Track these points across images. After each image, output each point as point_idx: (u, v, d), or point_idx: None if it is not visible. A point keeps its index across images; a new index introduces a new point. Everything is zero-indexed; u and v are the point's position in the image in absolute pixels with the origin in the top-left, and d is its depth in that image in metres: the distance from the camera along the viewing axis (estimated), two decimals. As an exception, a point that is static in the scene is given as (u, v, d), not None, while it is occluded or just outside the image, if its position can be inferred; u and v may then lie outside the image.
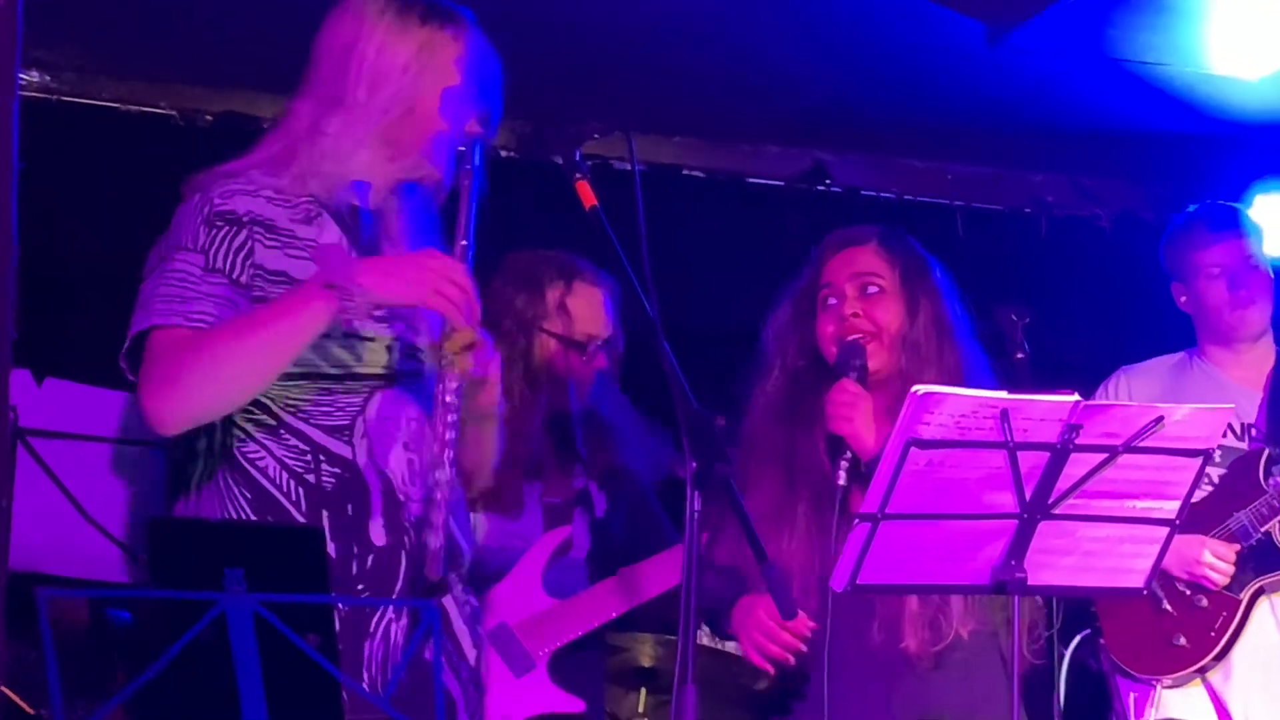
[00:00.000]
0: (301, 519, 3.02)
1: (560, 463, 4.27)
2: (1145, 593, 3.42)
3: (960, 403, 3.13)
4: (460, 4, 3.29)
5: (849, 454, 3.71)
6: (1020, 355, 3.85)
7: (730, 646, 5.61)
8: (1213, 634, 4.59)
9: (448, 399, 3.11)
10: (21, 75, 3.54)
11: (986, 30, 5.51)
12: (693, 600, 2.90)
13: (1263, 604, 4.62)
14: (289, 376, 3.08)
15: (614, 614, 4.18)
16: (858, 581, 3.25)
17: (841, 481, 3.70)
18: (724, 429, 3.46)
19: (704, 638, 5.57)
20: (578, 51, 5.63)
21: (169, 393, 2.98)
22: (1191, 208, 5.02)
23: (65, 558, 4.11)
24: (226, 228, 3.04)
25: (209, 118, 5.87)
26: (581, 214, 3.16)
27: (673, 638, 4.00)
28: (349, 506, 3.08)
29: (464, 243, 3.17)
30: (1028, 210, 6.72)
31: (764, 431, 3.92)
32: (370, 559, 3.07)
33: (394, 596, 3.08)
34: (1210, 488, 4.60)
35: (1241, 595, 4.59)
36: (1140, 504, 3.28)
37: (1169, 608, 4.62)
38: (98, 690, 4.48)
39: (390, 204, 3.20)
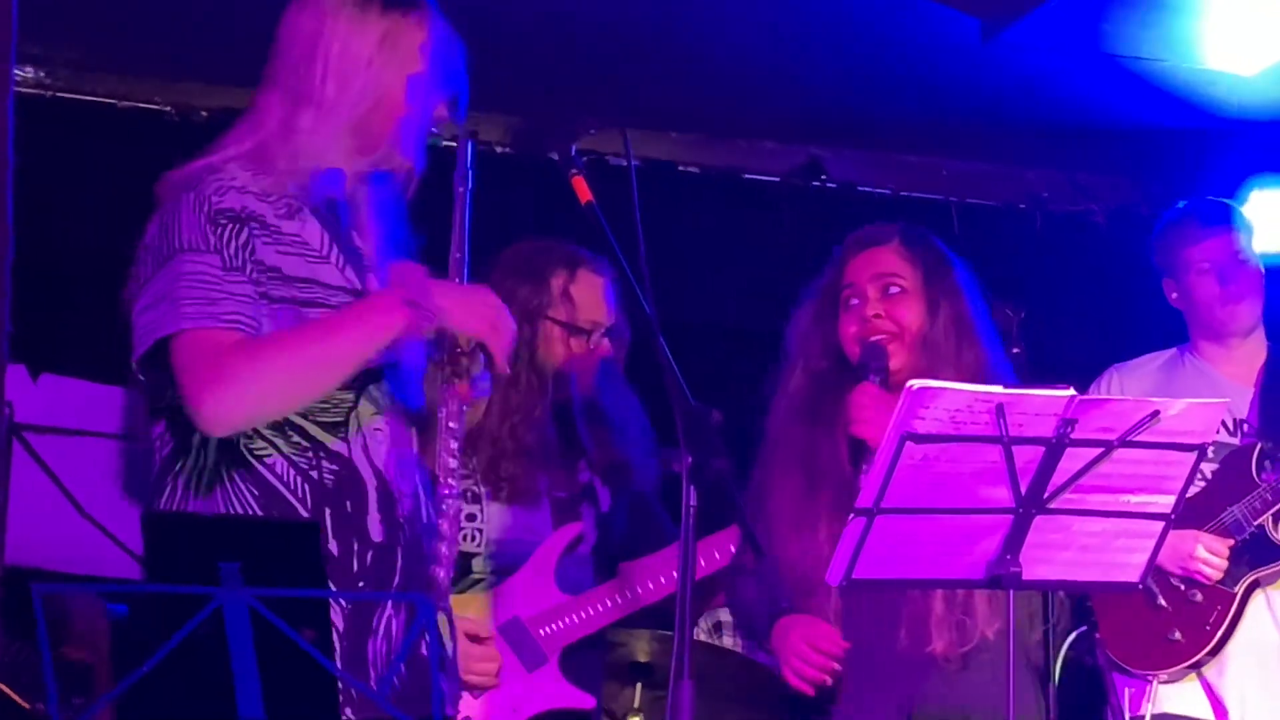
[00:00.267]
0: (307, 516, 3.02)
1: (566, 455, 4.27)
2: (1140, 588, 3.42)
3: (955, 397, 3.13)
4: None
5: (871, 456, 3.72)
6: (1015, 350, 3.85)
7: (726, 642, 5.62)
8: (1208, 628, 4.60)
9: (451, 424, 3.14)
10: (16, 71, 3.54)
11: (981, 26, 5.52)
12: (688, 594, 2.90)
13: (1258, 597, 4.62)
14: None
15: (630, 610, 4.19)
16: (853, 576, 3.26)
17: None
18: (720, 424, 3.46)
19: (700, 633, 5.58)
20: (574, 47, 5.63)
21: (231, 394, 2.97)
22: (1181, 204, 5.02)
23: (61, 553, 4.12)
24: (230, 225, 3.04)
25: (204, 113, 5.86)
26: (577, 210, 3.16)
27: (669, 633, 4.01)
28: (347, 503, 3.08)
29: (458, 255, 3.18)
30: (1023, 206, 6.72)
31: (786, 432, 3.94)
32: (370, 555, 3.07)
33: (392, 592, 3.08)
34: (1203, 483, 4.60)
35: (1236, 589, 4.60)
36: (1135, 499, 3.29)
37: (1164, 603, 4.63)
38: (94, 686, 4.49)
39: (360, 194, 3.21)
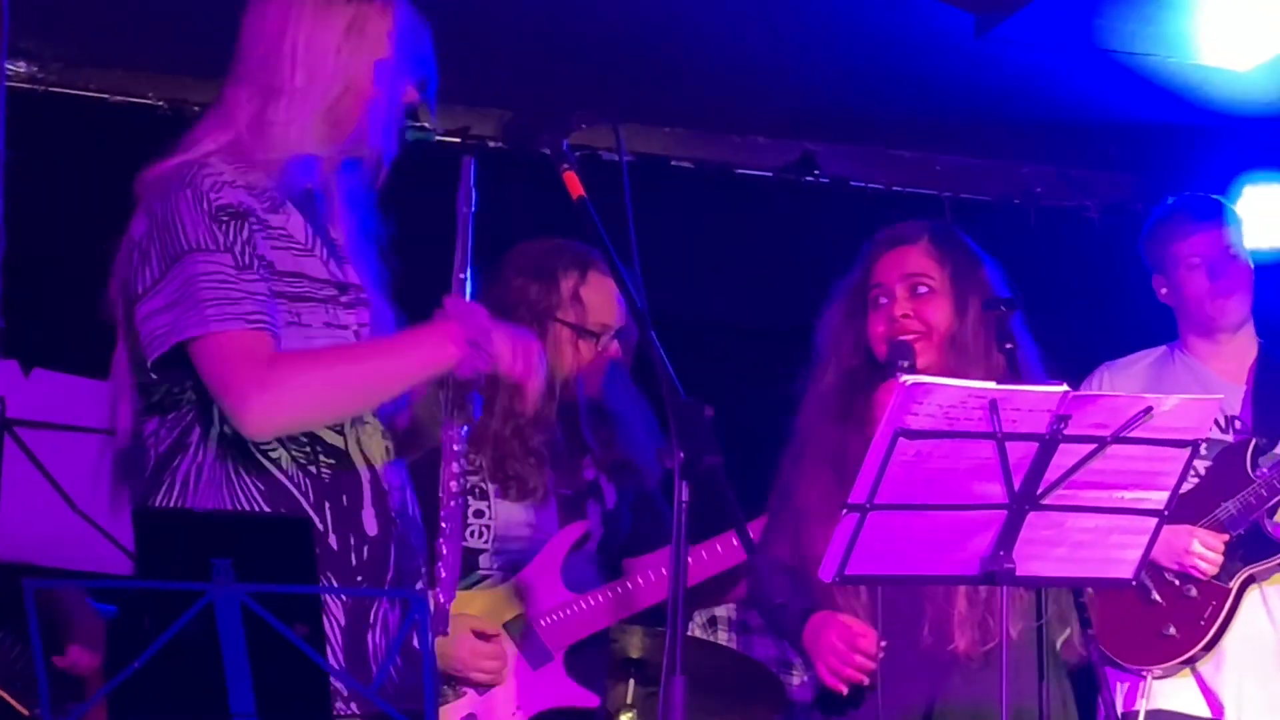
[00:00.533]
0: (310, 511, 3.02)
1: (571, 453, 4.27)
2: (1134, 583, 3.42)
3: (948, 393, 3.13)
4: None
5: None
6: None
7: (720, 638, 5.63)
8: (1202, 624, 4.59)
9: (455, 447, 3.15)
10: (8, 65, 3.53)
11: (975, 21, 5.52)
12: (681, 590, 2.90)
13: (1253, 593, 4.62)
14: None
15: (637, 609, 4.18)
16: (845, 572, 3.26)
17: None
18: (713, 419, 3.45)
19: (695, 629, 5.58)
20: (565, 42, 5.62)
21: (278, 402, 2.97)
22: (1170, 200, 5.02)
23: (52, 549, 4.11)
24: (232, 222, 3.03)
25: (196, 108, 5.84)
26: (569, 205, 3.16)
27: (661, 629, 4.00)
28: (344, 497, 3.08)
29: (462, 276, 3.19)
30: (1016, 201, 6.73)
31: (816, 430, 3.96)
32: (365, 549, 3.07)
33: (385, 586, 3.08)
34: (1197, 479, 4.60)
35: (1231, 584, 4.59)
36: (1129, 495, 3.29)
37: (1158, 598, 4.62)
38: (85, 682, 4.49)
39: (331, 183, 3.21)
